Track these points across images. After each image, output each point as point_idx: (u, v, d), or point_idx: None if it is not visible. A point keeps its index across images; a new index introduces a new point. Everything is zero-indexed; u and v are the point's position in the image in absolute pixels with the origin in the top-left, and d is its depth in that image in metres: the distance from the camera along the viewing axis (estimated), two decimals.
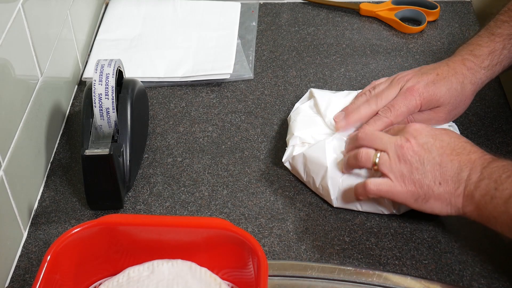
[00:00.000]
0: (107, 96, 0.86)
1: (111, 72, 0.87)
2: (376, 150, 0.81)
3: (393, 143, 0.80)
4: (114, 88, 0.86)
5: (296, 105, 0.96)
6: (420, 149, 0.78)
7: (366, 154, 0.81)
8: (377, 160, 0.80)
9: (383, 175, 0.80)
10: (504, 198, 0.72)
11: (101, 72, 0.87)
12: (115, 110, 0.86)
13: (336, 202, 0.86)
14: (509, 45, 0.90)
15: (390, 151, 0.80)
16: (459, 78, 0.88)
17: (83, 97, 0.90)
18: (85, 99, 0.89)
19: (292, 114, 0.95)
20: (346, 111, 0.90)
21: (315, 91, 0.96)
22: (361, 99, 0.91)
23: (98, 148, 0.84)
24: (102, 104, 0.86)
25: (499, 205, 0.72)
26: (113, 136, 0.88)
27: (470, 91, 0.90)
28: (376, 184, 0.80)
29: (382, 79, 0.93)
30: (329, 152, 0.86)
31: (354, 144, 0.84)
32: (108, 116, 0.87)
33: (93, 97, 0.86)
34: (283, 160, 0.90)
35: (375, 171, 0.81)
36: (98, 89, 0.86)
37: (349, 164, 0.83)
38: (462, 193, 0.76)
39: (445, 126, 0.90)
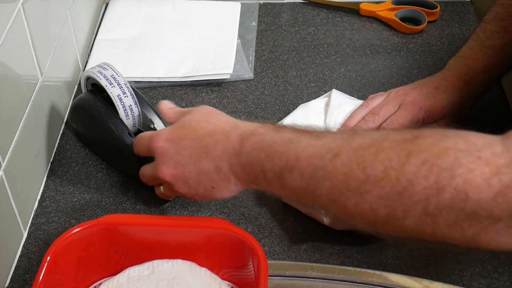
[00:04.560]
0: (125, 95, 0.88)
1: (114, 73, 0.89)
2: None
3: (158, 176, 0.77)
4: (128, 85, 0.89)
5: (312, 101, 0.97)
6: (175, 172, 0.75)
7: (159, 192, 0.83)
8: (162, 191, 0.82)
9: None
10: (276, 176, 0.67)
11: (105, 76, 0.89)
12: (137, 104, 0.89)
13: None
14: (502, 58, 0.90)
15: (164, 182, 0.79)
16: (458, 92, 0.89)
17: (94, 106, 0.90)
18: (98, 106, 0.90)
19: (301, 104, 0.96)
20: (345, 127, 0.90)
21: (334, 92, 0.96)
22: (358, 114, 0.90)
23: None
24: (125, 103, 0.89)
25: (276, 186, 0.68)
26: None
27: (468, 104, 0.90)
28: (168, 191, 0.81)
29: (378, 94, 0.93)
30: None
31: None
32: (132, 112, 0.89)
33: (113, 100, 0.88)
34: None
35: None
36: (115, 91, 0.88)
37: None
38: (237, 182, 0.72)
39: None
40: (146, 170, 0.81)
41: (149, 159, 0.84)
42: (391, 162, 0.59)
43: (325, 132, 0.66)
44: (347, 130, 0.64)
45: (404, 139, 0.60)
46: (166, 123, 0.90)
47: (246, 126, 0.72)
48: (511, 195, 0.54)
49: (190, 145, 0.73)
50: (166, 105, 0.82)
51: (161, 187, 0.82)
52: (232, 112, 1.02)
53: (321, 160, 0.63)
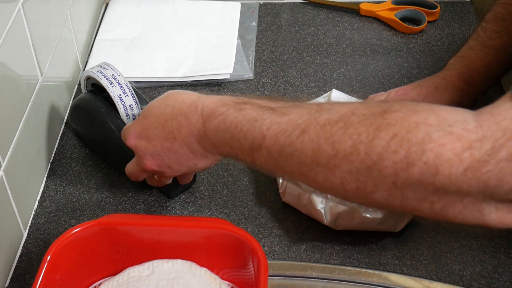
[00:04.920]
0: (126, 94, 0.88)
1: (114, 73, 0.89)
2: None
3: (144, 170, 0.78)
4: (128, 84, 0.89)
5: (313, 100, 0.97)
6: (156, 162, 0.75)
7: (155, 181, 0.83)
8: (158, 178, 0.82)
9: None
10: (245, 153, 0.67)
11: (105, 76, 0.88)
12: (137, 104, 0.89)
13: (283, 196, 0.87)
14: (503, 58, 0.90)
15: (152, 172, 0.79)
16: (458, 91, 0.88)
17: (95, 106, 0.90)
18: (98, 106, 0.90)
19: None
20: None
21: (334, 92, 0.96)
22: None
23: None
24: (125, 103, 0.89)
25: (247, 161, 0.68)
26: None
27: (468, 104, 0.90)
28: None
29: (379, 94, 0.93)
30: None
31: None
32: (133, 112, 0.89)
33: (114, 100, 0.88)
34: None
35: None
36: (115, 91, 0.88)
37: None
38: (214, 155, 0.73)
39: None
40: (130, 169, 0.81)
41: None
42: (360, 136, 0.58)
43: (289, 108, 0.65)
44: (313, 104, 0.65)
45: (373, 113, 0.59)
46: None
47: (205, 104, 0.70)
48: (482, 170, 0.54)
49: (157, 134, 0.74)
50: None
51: (155, 176, 0.82)
52: None
53: (288, 137, 0.63)
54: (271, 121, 0.64)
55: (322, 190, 0.63)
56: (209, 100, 0.70)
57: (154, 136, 0.74)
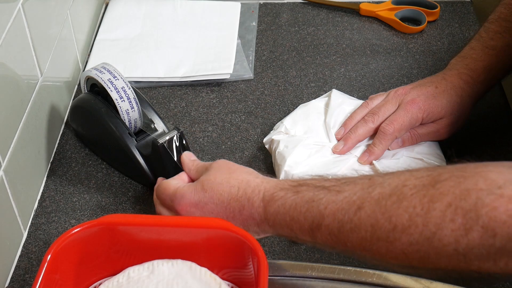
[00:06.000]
0: (133, 109, 0.89)
1: (125, 85, 0.89)
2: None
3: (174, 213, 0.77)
4: (135, 98, 0.90)
5: (312, 101, 0.97)
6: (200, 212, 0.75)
7: None
8: None
9: None
10: (306, 233, 0.68)
11: (116, 87, 0.89)
12: (141, 118, 0.90)
13: None
14: (503, 59, 0.90)
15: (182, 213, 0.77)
16: (458, 91, 0.88)
17: (95, 106, 0.90)
18: (98, 106, 0.90)
19: (301, 104, 0.97)
20: (345, 126, 0.90)
21: (334, 92, 0.96)
22: (358, 114, 0.91)
23: (165, 135, 0.86)
24: (131, 118, 0.90)
25: (308, 240, 0.69)
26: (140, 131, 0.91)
27: (468, 104, 0.90)
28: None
29: (379, 94, 0.93)
30: (298, 150, 0.87)
31: None
32: (136, 125, 0.91)
33: (121, 114, 0.89)
34: (264, 141, 0.93)
35: None
36: (124, 106, 0.89)
37: None
38: (265, 234, 0.73)
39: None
40: (161, 210, 0.80)
41: (152, 160, 0.84)
42: (415, 209, 0.60)
43: (342, 185, 0.67)
44: (365, 179, 0.67)
45: (424, 184, 0.61)
46: (186, 172, 0.83)
47: (265, 189, 0.71)
48: None
49: (215, 210, 0.73)
50: (188, 157, 0.82)
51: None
52: (232, 112, 1.03)
53: (346, 214, 0.64)
54: (327, 200, 0.66)
55: (386, 261, 0.64)
56: (269, 185, 0.72)
57: (212, 210, 0.74)
